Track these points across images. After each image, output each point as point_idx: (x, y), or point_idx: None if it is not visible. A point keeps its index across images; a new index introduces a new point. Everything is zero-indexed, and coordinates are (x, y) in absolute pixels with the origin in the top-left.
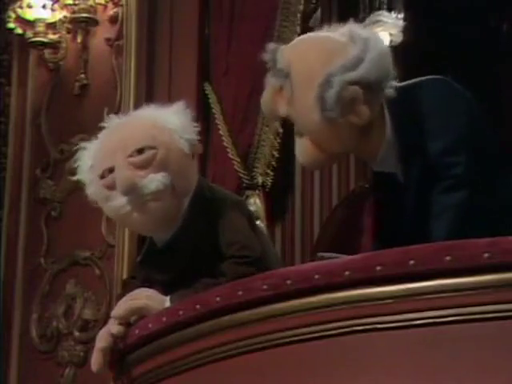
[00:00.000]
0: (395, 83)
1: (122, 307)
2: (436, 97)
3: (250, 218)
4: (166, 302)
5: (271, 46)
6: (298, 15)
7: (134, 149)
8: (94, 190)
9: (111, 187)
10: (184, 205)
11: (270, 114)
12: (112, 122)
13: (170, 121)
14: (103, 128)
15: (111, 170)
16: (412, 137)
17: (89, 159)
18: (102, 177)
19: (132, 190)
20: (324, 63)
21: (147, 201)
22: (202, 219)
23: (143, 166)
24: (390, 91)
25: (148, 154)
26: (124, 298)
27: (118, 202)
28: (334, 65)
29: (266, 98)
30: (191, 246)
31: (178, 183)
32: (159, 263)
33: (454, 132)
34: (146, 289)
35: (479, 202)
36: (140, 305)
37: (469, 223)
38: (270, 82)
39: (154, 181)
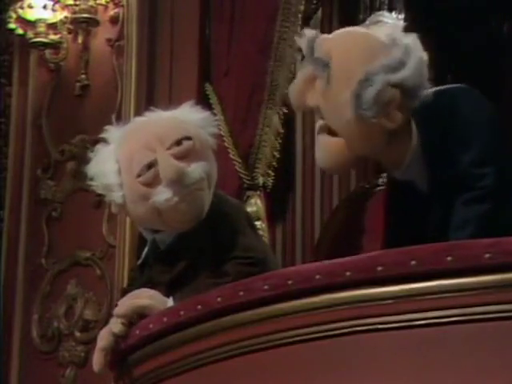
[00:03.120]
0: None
1: (124, 306)
2: (463, 106)
3: (250, 221)
4: (169, 302)
5: (309, 31)
6: (299, 16)
7: (172, 141)
8: (127, 191)
9: (151, 183)
10: (211, 198)
11: (298, 103)
12: (132, 125)
13: (192, 115)
14: (105, 131)
15: (150, 166)
16: (439, 145)
17: (114, 163)
18: (139, 175)
19: (180, 180)
20: (367, 60)
21: (193, 190)
22: (206, 221)
23: (184, 156)
24: (421, 99)
25: (186, 144)
26: (126, 297)
27: (164, 196)
28: (377, 63)
29: (296, 86)
30: (194, 247)
31: (211, 173)
32: (162, 264)
33: (483, 142)
34: (148, 289)
35: (504, 215)
36: (142, 303)
37: (490, 236)
38: (304, 70)
39: (197, 169)
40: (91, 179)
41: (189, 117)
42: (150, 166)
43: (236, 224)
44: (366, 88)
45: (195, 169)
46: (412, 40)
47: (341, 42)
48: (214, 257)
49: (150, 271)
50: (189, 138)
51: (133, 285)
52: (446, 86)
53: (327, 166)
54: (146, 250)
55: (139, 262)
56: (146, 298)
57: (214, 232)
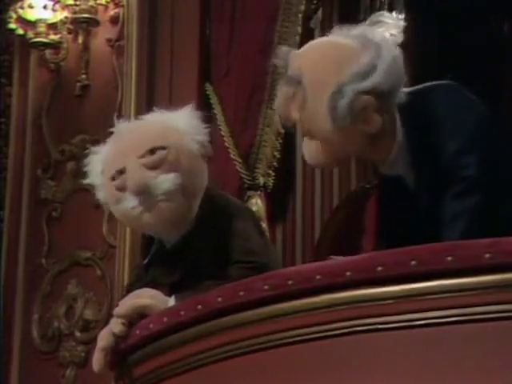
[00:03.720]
0: (405, 88)
1: (124, 306)
2: (447, 100)
3: (257, 223)
4: (170, 301)
5: (283, 50)
6: (299, 16)
7: (145, 150)
8: (105, 192)
9: (122, 189)
10: (194, 207)
11: (284, 119)
12: (121, 126)
13: (180, 122)
14: (109, 131)
15: (122, 172)
16: (423, 140)
17: (99, 163)
18: (113, 179)
19: (144, 191)
20: (336, 72)
21: (159, 201)
22: (211, 223)
23: (155, 167)
24: (400, 97)
25: (159, 154)
26: (127, 297)
27: (130, 203)
28: (346, 73)
29: (278, 104)
30: (199, 248)
31: (188, 184)
32: (167, 265)
33: (466, 134)
34: (149, 289)
35: (492, 207)
36: (143, 303)
37: (482, 229)
38: (282, 88)
39: (166, 181)
40: (86, 178)
41: (176, 123)
42: (122, 171)
43: (242, 227)
44: (338, 100)
45: (163, 180)
46: (383, 38)
47: (310, 56)
48: (218, 259)
49: (154, 270)
50: (163, 148)
51: (137, 282)
52: (430, 83)
53: (312, 164)
54: (153, 248)
55: (146, 260)
56: (147, 297)
57: (219, 234)
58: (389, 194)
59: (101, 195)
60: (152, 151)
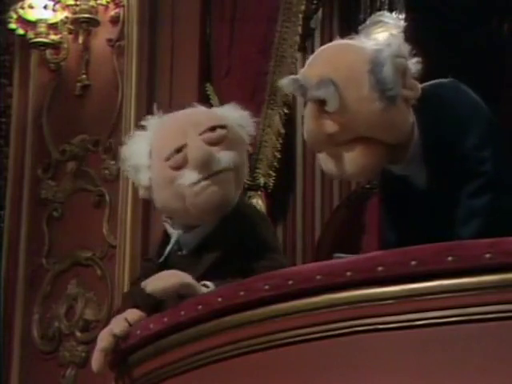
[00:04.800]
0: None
1: (168, 282)
2: (457, 97)
3: (274, 231)
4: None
5: (286, 80)
6: (300, 16)
7: (205, 127)
8: (155, 173)
9: (179, 167)
10: (235, 198)
11: (319, 140)
12: (160, 118)
13: (232, 113)
14: (140, 125)
15: (179, 150)
16: (437, 136)
17: (147, 145)
18: (168, 159)
19: (207, 163)
20: (361, 53)
21: (219, 178)
22: (235, 228)
23: (215, 143)
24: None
25: (220, 131)
26: (161, 276)
27: (190, 179)
28: (372, 49)
29: (309, 125)
30: (220, 252)
31: (240, 169)
32: (184, 265)
33: (480, 129)
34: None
35: (509, 203)
36: (189, 281)
37: (499, 225)
38: (307, 109)
39: (227, 156)
40: (123, 161)
41: (228, 113)
42: (180, 149)
43: (268, 240)
44: (380, 71)
45: (224, 156)
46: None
47: (327, 55)
48: (235, 264)
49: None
50: (223, 127)
51: (145, 277)
52: (436, 80)
53: (357, 173)
54: (168, 248)
55: (161, 259)
56: (186, 277)
57: (243, 241)
58: (395, 196)
59: (144, 177)
60: (212, 129)
